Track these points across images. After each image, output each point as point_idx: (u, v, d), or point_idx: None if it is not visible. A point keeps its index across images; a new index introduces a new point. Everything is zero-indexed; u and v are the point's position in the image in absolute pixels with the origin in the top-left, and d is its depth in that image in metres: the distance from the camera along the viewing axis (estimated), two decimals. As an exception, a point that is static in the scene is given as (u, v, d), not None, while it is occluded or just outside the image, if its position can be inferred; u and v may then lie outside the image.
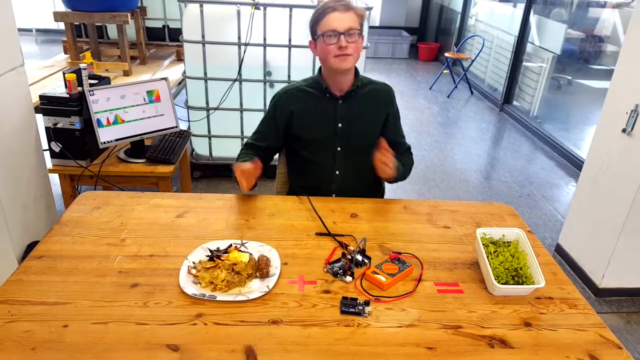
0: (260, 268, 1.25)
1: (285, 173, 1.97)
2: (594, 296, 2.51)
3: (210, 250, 1.30)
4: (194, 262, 1.27)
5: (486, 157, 4.38)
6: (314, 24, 1.62)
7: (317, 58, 3.10)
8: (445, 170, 3.96)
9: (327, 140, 1.75)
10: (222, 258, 1.26)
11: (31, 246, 2.30)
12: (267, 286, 1.20)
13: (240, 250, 1.30)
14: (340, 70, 1.62)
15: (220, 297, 1.16)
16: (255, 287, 1.21)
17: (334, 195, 1.78)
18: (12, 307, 1.10)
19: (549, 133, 4.59)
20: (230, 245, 1.33)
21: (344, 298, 1.17)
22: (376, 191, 1.92)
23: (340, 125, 1.72)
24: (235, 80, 3.14)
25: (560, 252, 2.82)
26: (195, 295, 1.16)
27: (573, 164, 4.14)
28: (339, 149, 1.75)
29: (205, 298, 1.15)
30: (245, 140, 1.80)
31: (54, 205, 2.58)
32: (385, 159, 1.56)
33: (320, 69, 1.74)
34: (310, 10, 2.99)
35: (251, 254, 1.30)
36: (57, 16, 3.49)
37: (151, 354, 1.00)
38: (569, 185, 3.85)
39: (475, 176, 3.91)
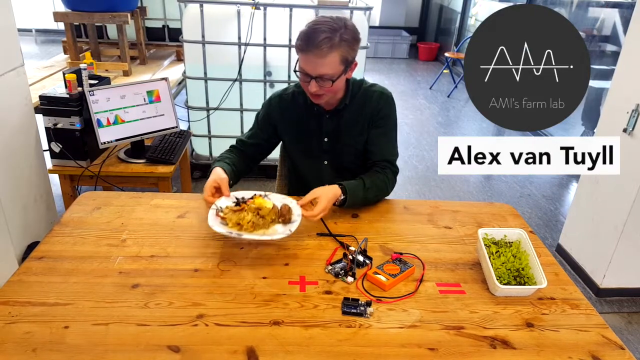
0: (282, 214, 1.35)
1: (285, 174, 1.97)
2: (595, 296, 2.51)
3: (237, 197, 1.40)
4: (221, 207, 1.35)
5: (486, 157, 4.37)
6: (296, 49, 1.47)
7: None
8: (446, 170, 3.95)
9: (312, 154, 1.70)
10: (247, 203, 1.35)
11: (31, 247, 2.30)
12: (290, 229, 1.29)
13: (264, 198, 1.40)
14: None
15: (246, 236, 1.28)
16: (279, 230, 1.32)
17: None
18: (13, 308, 1.09)
19: (548, 133, 4.59)
20: (255, 195, 1.41)
21: (346, 299, 1.17)
22: None
23: (326, 140, 1.66)
24: (235, 80, 3.14)
25: (561, 252, 2.82)
26: (223, 233, 1.27)
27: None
28: (325, 162, 1.72)
29: (233, 235, 1.27)
30: (239, 137, 1.76)
31: (54, 206, 2.58)
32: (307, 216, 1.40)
33: None
34: (310, 10, 2.99)
35: (274, 203, 1.39)
36: (57, 16, 3.48)
37: (152, 355, 0.99)
38: (569, 185, 3.85)
39: (476, 176, 3.91)
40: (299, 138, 1.70)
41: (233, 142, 1.76)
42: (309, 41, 1.39)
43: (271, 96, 1.71)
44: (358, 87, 1.63)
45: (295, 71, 1.49)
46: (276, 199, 1.42)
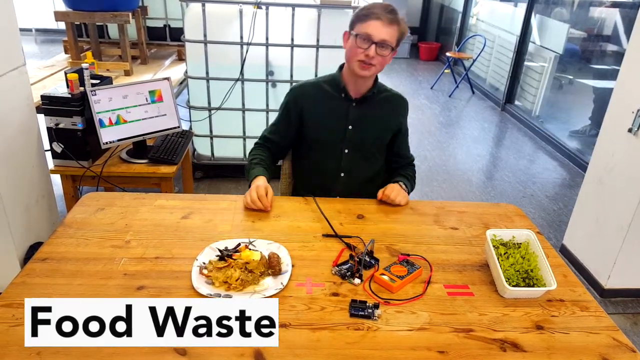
0: (272, 265, 1.24)
1: (290, 174, 1.95)
2: (600, 297, 2.49)
3: (220, 250, 1.28)
4: (204, 263, 1.25)
5: (488, 157, 4.37)
6: (355, 19, 1.57)
7: (320, 58, 3.09)
8: (448, 170, 3.94)
9: (334, 141, 1.73)
10: (233, 257, 1.24)
11: (33, 247, 2.28)
12: (282, 283, 1.20)
13: (249, 249, 1.29)
14: (359, 75, 1.60)
15: (236, 296, 1.15)
16: (270, 285, 1.20)
17: (337, 197, 1.76)
18: (17, 310, 1.08)
19: (551, 133, 4.58)
20: (239, 245, 1.31)
21: (353, 301, 1.15)
22: None
23: (350, 127, 1.70)
24: (237, 80, 3.12)
25: (565, 253, 2.81)
26: (211, 295, 1.14)
27: (575, 164, 4.13)
28: (346, 151, 1.73)
29: (221, 298, 1.14)
30: (262, 134, 1.83)
31: (55, 207, 2.56)
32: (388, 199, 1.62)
33: (341, 67, 1.71)
34: (312, 9, 2.98)
35: (261, 252, 1.28)
36: (58, 16, 3.47)
37: (159, 358, 0.98)
38: (572, 185, 3.83)
39: (478, 176, 3.90)
40: (322, 125, 1.72)
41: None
42: (381, 9, 1.53)
43: (293, 87, 1.78)
44: (381, 86, 1.75)
45: (355, 35, 1.55)
46: (262, 247, 1.32)
